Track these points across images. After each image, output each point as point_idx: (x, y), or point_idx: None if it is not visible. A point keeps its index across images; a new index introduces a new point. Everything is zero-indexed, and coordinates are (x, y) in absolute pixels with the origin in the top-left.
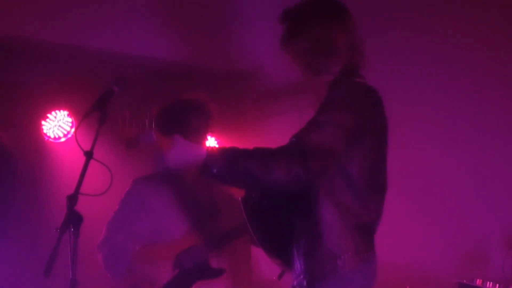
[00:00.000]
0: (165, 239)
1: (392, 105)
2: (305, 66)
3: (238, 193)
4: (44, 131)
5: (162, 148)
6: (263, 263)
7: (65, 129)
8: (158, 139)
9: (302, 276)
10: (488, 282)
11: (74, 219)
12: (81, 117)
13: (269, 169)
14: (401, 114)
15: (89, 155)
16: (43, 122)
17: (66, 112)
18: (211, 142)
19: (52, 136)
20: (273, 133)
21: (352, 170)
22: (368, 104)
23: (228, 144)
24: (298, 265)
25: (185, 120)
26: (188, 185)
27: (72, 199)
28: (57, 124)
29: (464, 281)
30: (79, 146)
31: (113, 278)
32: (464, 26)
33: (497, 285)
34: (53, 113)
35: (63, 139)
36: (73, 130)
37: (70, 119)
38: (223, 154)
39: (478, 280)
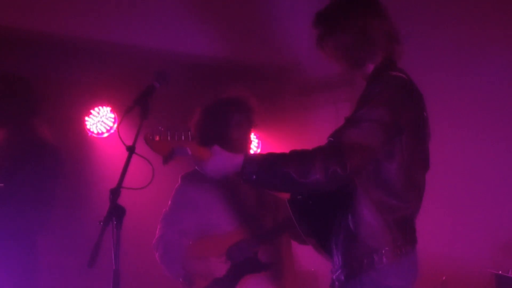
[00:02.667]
0: (215, 233)
1: (431, 99)
2: (346, 60)
3: (285, 194)
4: (88, 126)
5: (200, 159)
6: (301, 256)
7: (108, 125)
8: (194, 152)
9: (340, 271)
10: None
11: (117, 212)
12: (123, 113)
13: (307, 171)
14: (433, 107)
15: (131, 149)
16: (86, 118)
17: (109, 108)
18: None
19: (95, 131)
20: (311, 127)
21: (390, 165)
22: (406, 97)
23: (267, 138)
24: (336, 259)
25: (227, 118)
26: (234, 181)
27: (115, 192)
28: (100, 120)
29: (500, 272)
30: (122, 141)
31: (170, 275)
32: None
33: None
34: (96, 109)
35: (106, 135)
36: (115, 125)
37: (112, 115)
38: (260, 160)
39: None
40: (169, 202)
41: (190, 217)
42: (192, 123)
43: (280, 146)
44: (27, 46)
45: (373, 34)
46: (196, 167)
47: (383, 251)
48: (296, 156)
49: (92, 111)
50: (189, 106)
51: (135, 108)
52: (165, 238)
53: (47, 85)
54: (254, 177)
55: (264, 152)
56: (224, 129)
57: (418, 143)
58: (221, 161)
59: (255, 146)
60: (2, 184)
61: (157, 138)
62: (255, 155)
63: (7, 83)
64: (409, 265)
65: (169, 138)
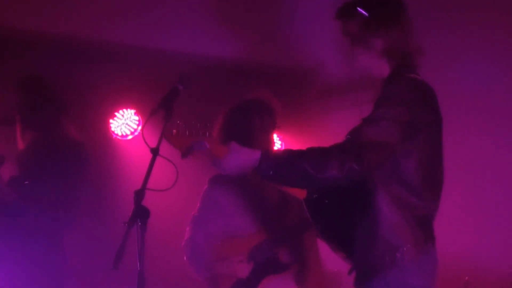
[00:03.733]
0: (239, 235)
1: (450, 100)
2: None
3: (301, 194)
4: (112, 129)
5: (218, 156)
6: (325, 255)
7: (132, 127)
8: (213, 147)
9: (361, 269)
10: None
11: (141, 214)
12: (148, 115)
13: (324, 166)
14: (458, 109)
15: (155, 151)
16: (111, 121)
17: (133, 111)
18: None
19: (119, 134)
20: (334, 129)
21: (409, 163)
22: (422, 98)
23: (289, 140)
24: (357, 257)
25: (250, 120)
26: (257, 183)
27: (140, 194)
28: (125, 122)
29: None
30: (146, 143)
31: (197, 276)
32: None
33: None
34: (120, 111)
35: (130, 137)
36: (139, 128)
37: (137, 118)
38: (278, 156)
39: None
40: (198, 204)
41: (217, 220)
42: (216, 125)
43: (301, 146)
44: (53, 49)
45: (395, 37)
46: (213, 166)
47: (405, 249)
48: (313, 152)
49: (116, 113)
50: (211, 108)
51: (159, 111)
52: (193, 241)
53: (72, 87)
54: (271, 172)
55: None
56: (246, 130)
57: (435, 142)
58: (238, 157)
59: (277, 148)
60: (27, 182)
61: (176, 132)
62: (272, 151)
63: (35, 85)
64: (430, 263)
65: (187, 133)
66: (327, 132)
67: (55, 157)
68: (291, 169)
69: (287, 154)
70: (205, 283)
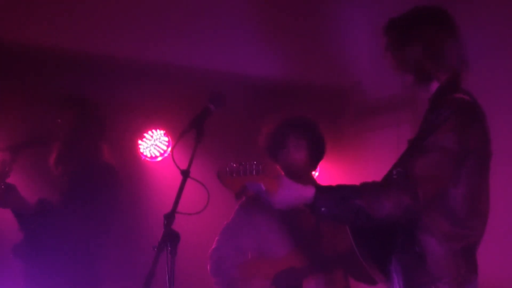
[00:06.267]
0: (268, 256)
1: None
2: (412, 71)
3: None
4: (141, 150)
5: (268, 191)
6: None
7: (161, 148)
8: (267, 186)
9: None
10: None
11: (171, 238)
12: (178, 136)
13: (380, 207)
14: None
15: (186, 174)
16: (139, 142)
17: (162, 131)
18: None
19: (148, 155)
20: (371, 150)
21: (457, 192)
22: (472, 122)
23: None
24: (396, 285)
25: (286, 141)
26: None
27: (170, 217)
28: (154, 143)
29: None
30: (176, 165)
31: (216, 287)
32: None
33: None
34: (149, 132)
35: (159, 158)
36: (169, 149)
37: (166, 138)
38: (332, 194)
39: None
40: (231, 215)
41: (248, 236)
42: (259, 145)
43: (339, 168)
44: (81, 68)
45: (442, 49)
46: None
47: (447, 280)
48: (368, 190)
49: (145, 134)
50: (245, 128)
51: (190, 131)
52: (220, 252)
53: (100, 107)
54: (324, 210)
55: (325, 177)
56: (283, 151)
57: (484, 167)
58: (291, 194)
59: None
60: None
61: (229, 173)
62: (325, 188)
63: (79, 106)
64: None
65: (241, 174)
66: (364, 152)
67: (92, 183)
68: (346, 209)
69: (341, 192)
70: None
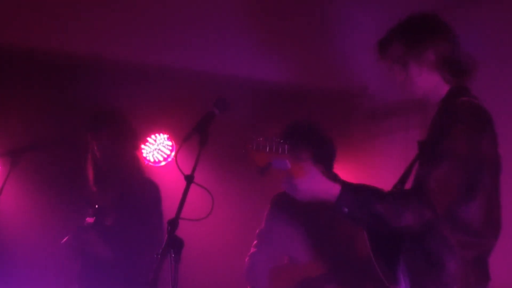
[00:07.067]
0: (291, 263)
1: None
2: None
3: None
4: (144, 155)
5: (293, 176)
6: None
7: (165, 153)
8: (293, 166)
9: None
10: None
11: (175, 244)
12: (182, 141)
13: (400, 216)
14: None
15: (190, 179)
16: (142, 146)
17: (166, 136)
18: None
19: (152, 160)
20: (380, 154)
21: (473, 202)
22: (483, 126)
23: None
24: None
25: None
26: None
27: (173, 223)
28: (157, 148)
29: None
30: (180, 170)
31: None
32: None
33: None
34: (152, 136)
35: (163, 163)
36: (173, 153)
37: (170, 143)
38: (357, 195)
39: None
40: (264, 217)
41: (277, 242)
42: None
43: (348, 173)
44: (85, 72)
45: (453, 54)
46: (285, 188)
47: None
48: (391, 199)
49: (148, 138)
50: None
51: (194, 136)
52: (255, 257)
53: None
54: (346, 210)
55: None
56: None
57: (496, 174)
58: (318, 186)
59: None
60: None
61: (256, 147)
62: (351, 188)
63: (114, 122)
64: None
65: (267, 150)
66: (373, 156)
67: (143, 204)
68: (368, 212)
69: (366, 195)
70: None
